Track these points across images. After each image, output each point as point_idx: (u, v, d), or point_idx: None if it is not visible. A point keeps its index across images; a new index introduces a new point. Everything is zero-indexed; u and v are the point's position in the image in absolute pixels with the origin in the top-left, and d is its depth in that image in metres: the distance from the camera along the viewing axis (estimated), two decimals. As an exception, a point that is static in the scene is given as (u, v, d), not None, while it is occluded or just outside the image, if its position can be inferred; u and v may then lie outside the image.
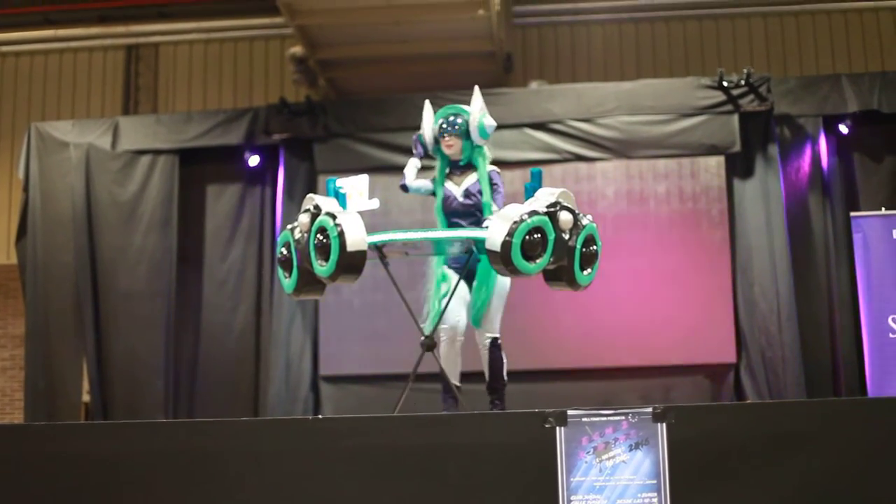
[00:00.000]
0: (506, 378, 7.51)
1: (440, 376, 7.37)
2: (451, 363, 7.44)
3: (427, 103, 7.70)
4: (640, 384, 12.03)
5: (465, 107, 7.55)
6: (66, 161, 13.02)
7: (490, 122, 7.43)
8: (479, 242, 6.89)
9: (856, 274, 10.90)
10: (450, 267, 7.48)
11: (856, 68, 13.63)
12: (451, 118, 7.49)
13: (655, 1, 14.16)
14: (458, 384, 7.45)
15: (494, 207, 7.31)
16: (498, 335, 7.45)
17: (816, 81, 12.64)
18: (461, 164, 7.53)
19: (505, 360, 7.50)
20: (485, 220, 7.23)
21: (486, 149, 7.53)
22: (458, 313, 7.40)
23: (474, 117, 7.42)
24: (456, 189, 7.47)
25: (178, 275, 12.97)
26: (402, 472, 5.69)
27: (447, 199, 7.47)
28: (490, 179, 7.45)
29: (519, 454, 5.61)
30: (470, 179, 7.48)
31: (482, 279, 7.34)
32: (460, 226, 7.36)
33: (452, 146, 7.47)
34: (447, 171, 7.56)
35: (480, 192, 7.41)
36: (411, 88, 13.12)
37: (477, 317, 7.42)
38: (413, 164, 7.58)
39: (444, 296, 7.35)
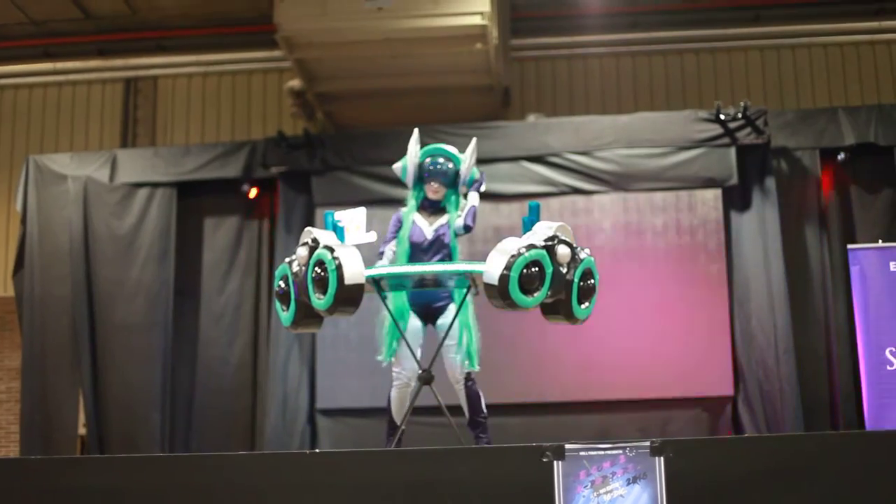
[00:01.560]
0: (485, 410, 7.47)
1: (400, 418, 7.35)
2: (399, 406, 7.43)
3: (415, 133, 7.68)
4: (638, 417, 12.00)
5: (455, 151, 7.56)
6: (63, 193, 13.02)
7: (479, 175, 7.48)
8: (459, 276, 6.94)
9: (853, 306, 10.91)
10: (411, 306, 7.47)
11: (852, 101, 13.67)
12: (442, 163, 7.50)
13: (652, 34, 14.21)
14: (404, 427, 7.42)
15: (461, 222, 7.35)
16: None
17: (813, 114, 12.68)
18: (440, 205, 7.54)
19: (481, 393, 7.46)
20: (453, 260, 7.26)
21: (472, 197, 7.50)
22: (408, 360, 7.39)
23: (465, 170, 7.44)
24: (426, 227, 7.48)
25: (175, 307, 12.95)
26: (399, 507, 5.69)
27: (415, 233, 7.47)
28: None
29: (517, 488, 5.60)
30: (441, 220, 7.50)
31: (463, 320, 7.34)
32: (424, 261, 7.35)
33: (438, 192, 7.49)
34: (419, 205, 7.56)
35: (448, 234, 7.43)
36: (409, 122, 13.05)
37: (472, 357, 7.40)
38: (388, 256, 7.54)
39: (398, 337, 7.35)
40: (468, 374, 7.41)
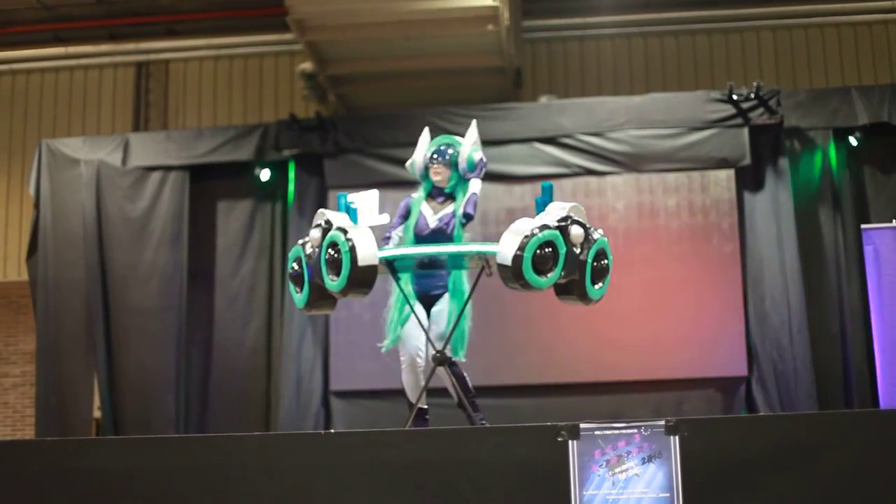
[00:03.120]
0: (472, 390, 7.49)
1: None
2: (414, 387, 7.46)
3: (426, 130, 7.72)
4: (652, 398, 12.01)
5: (458, 139, 7.56)
6: (76, 178, 13.04)
7: (479, 157, 7.43)
8: (452, 259, 6.95)
9: (867, 286, 10.88)
10: (414, 289, 7.48)
11: (865, 80, 13.62)
12: (443, 148, 7.51)
13: (664, 15, 14.17)
14: (425, 406, 7.45)
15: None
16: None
17: (826, 94, 12.64)
18: (445, 191, 7.53)
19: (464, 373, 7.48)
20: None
21: (472, 184, 7.49)
22: (417, 339, 7.41)
23: (465, 150, 7.43)
24: (431, 216, 7.47)
25: (188, 291, 12.98)
26: (414, 487, 5.69)
27: (419, 223, 7.47)
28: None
29: (531, 468, 5.60)
30: (447, 209, 7.48)
31: (459, 304, 7.35)
32: None
33: (440, 174, 7.48)
34: (428, 195, 7.56)
35: (452, 222, 7.42)
36: (421, 103, 13.16)
37: (459, 345, 7.42)
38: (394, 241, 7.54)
39: (405, 320, 7.37)
40: (451, 359, 7.39)
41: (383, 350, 7.55)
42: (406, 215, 7.55)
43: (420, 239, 7.42)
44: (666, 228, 12.38)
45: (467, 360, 7.48)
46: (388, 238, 7.48)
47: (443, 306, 7.40)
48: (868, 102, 12.26)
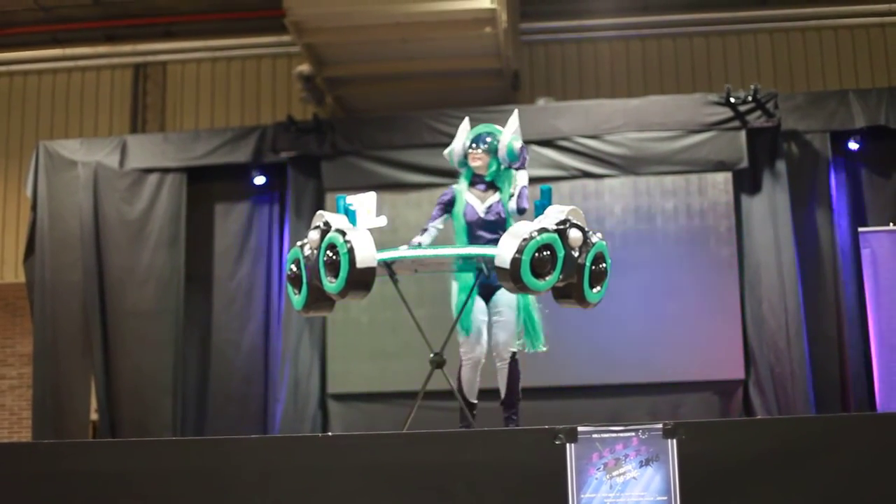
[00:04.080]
0: (520, 393, 7.50)
1: (457, 395, 7.37)
2: (472, 385, 7.47)
3: (466, 120, 7.70)
4: (649, 401, 12.00)
5: (499, 127, 7.54)
6: (74, 179, 13.03)
7: (518, 145, 7.39)
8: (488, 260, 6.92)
9: (864, 289, 10.90)
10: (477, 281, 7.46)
11: (863, 84, 13.64)
12: (483, 135, 7.49)
13: (662, 17, 14.18)
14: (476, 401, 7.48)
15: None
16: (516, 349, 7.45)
17: (824, 97, 12.65)
18: (486, 179, 7.50)
19: (520, 375, 7.49)
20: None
21: (516, 174, 7.47)
22: (480, 337, 7.40)
23: (505, 139, 7.41)
24: (479, 204, 7.43)
25: (186, 293, 12.97)
26: (411, 490, 5.69)
27: (468, 211, 7.43)
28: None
29: (529, 471, 5.61)
30: (493, 198, 7.44)
31: (521, 300, 7.36)
32: (483, 238, 7.32)
33: (479, 160, 7.43)
34: (470, 183, 7.54)
35: (500, 211, 7.40)
36: (419, 106, 13.15)
37: (533, 336, 7.44)
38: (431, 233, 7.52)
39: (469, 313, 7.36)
40: (513, 353, 7.41)
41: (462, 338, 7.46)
42: (447, 207, 7.51)
43: (474, 227, 7.38)
44: (663, 231, 12.38)
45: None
46: (425, 230, 7.43)
47: (502, 296, 7.35)
48: (865, 105, 12.26)
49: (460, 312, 7.29)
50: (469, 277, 7.31)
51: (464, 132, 7.60)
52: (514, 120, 7.50)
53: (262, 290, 13.16)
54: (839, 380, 12.01)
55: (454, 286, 7.43)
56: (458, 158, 7.56)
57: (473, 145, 7.46)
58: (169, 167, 13.10)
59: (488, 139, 7.45)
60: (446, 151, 7.63)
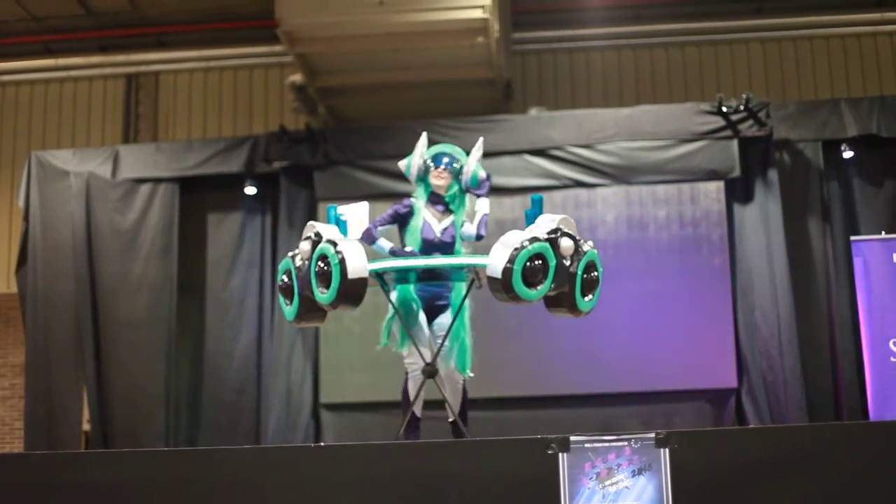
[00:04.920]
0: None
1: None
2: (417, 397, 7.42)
3: (423, 135, 7.64)
4: (642, 410, 12.02)
5: (460, 149, 7.54)
6: (66, 189, 13.03)
7: (484, 176, 7.40)
8: (461, 270, 6.94)
9: (856, 298, 10.92)
10: (419, 295, 7.45)
11: (854, 93, 13.68)
12: (447, 155, 7.47)
13: (654, 27, 14.21)
14: (419, 415, 7.45)
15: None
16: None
17: (815, 106, 12.68)
18: (444, 200, 7.48)
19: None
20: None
21: (482, 204, 7.46)
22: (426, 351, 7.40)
23: (470, 165, 7.40)
24: (436, 224, 7.41)
25: (178, 303, 12.97)
26: (404, 500, 5.68)
27: (426, 229, 7.39)
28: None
29: (521, 481, 5.60)
30: (448, 221, 7.43)
31: (461, 320, 7.33)
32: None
33: (443, 180, 7.40)
34: (427, 202, 7.51)
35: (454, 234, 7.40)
36: (411, 116, 13.17)
37: (464, 362, 7.39)
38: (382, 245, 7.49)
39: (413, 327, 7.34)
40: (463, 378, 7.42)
41: (379, 347, 7.46)
42: (400, 219, 7.48)
43: (429, 247, 7.37)
44: (656, 240, 12.39)
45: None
46: (374, 228, 7.37)
47: (446, 319, 7.36)
48: (857, 114, 12.30)
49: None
50: (409, 290, 7.33)
51: (422, 147, 7.56)
52: (478, 148, 7.49)
53: (254, 300, 13.15)
54: (832, 388, 12.04)
55: (393, 295, 7.39)
56: (418, 173, 7.53)
57: (436, 164, 7.45)
58: (161, 177, 13.10)
59: (451, 161, 7.43)
60: (403, 163, 7.59)
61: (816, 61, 14.16)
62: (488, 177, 7.46)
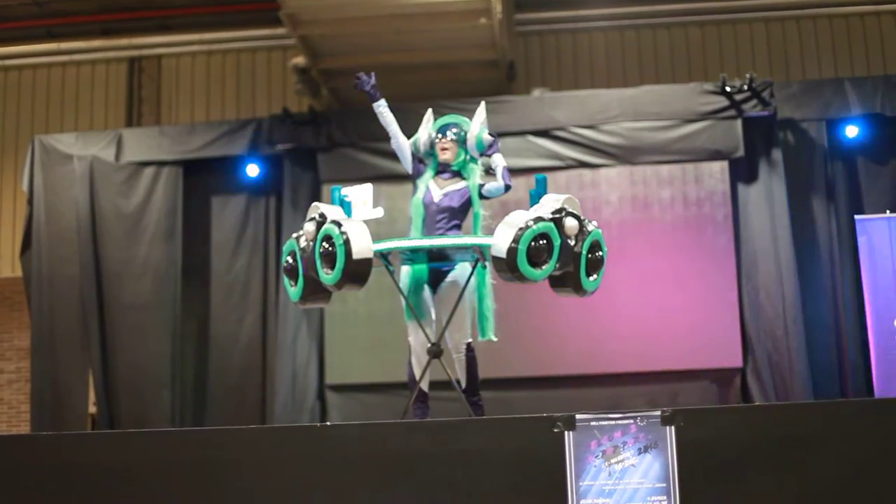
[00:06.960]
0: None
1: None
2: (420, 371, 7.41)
3: (429, 111, 7.69)
4: (647, 389, 12.02)
5: (467, 119, 7.55)
6: (70, 173, 13.03)
7: (487, 136, 7.41)
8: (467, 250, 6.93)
9: (861, 276, 10.92)
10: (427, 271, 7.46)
11: (858, 72, 13.63)
12: (451, 125, 7.49)
13: (657, 7, 14.17)
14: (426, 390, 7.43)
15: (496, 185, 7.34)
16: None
17: (819, 86, 12.66)
18: (452, 168, 7.49)
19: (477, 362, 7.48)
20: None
21: (479, 167, 7.47)
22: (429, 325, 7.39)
23: (473, 130, 7.41)
24: (437, 191, 7.40)
25: (183, 286, 12.99)
26: (410, 479, 5.70)
27: (426, 197, 7.39)
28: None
29: (528, 459, 5.61)
30: (454, 185, 7.42)
31: (482, 286, 7.30)
32: (440, 224, 7.31)
33: (448, 150, 7.42)
34: (434, 174, 7.51)
35: (461, 198, 7.38)
36: (414, 97, 13.09)
37: (484, 326, 7.37)
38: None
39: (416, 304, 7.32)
40: (468, 343, 7.38)
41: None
42: (415, 157, 7.55)
43: (428, 211, 7.36)
44: (660, 220, 12.38)
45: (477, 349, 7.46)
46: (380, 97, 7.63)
47: (449, 280, 7.34)
48: (861, 94, 12.28)
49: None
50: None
51: (428, 122, 7.60)
52: (480, 111, 7.50)
53: (259, 282, 13.17)
54: (837, 366, 12.05)
55: (404, 269, 7.38)
56: (425, 148, 7.54)
57: (441, 135, 7.46)
58: (165, 160, 13.10)
59: (455, 129, 7.45)
60: (411, 140, 7.60)
61: (820, 41, 14.10)
62: (495, 137, 7.45)
